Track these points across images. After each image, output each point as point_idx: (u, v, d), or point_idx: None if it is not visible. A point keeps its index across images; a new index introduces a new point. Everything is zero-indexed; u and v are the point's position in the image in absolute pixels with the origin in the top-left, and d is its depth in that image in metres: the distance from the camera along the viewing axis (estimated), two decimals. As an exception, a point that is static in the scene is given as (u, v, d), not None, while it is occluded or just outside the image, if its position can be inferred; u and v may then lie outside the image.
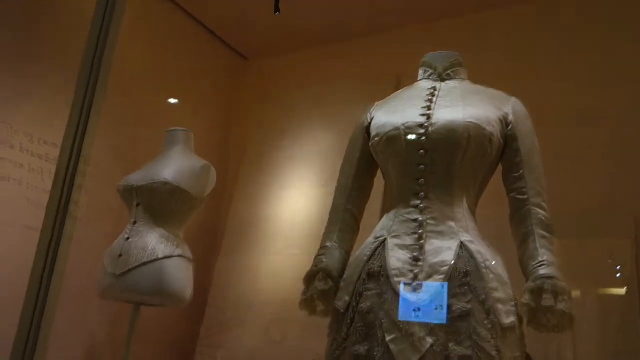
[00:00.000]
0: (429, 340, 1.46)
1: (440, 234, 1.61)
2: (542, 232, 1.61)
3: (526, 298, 1.50)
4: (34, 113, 2.94)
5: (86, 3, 2.00)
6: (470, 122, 1.65)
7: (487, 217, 1.78)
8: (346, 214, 1.84)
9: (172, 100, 3.63)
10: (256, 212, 3.66)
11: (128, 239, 2.47)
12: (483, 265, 1.55)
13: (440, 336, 1.46)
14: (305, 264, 3.20)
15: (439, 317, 1.48)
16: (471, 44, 2.90)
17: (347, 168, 1.90)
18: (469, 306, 1.49)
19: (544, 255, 1.57)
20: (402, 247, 1.61)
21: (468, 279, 1.52)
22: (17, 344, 1.38)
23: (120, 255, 2.42)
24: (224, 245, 3.69)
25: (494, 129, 1.68)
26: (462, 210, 1.65)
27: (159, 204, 2.51)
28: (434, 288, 1.52)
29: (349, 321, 1.60)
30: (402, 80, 3.39)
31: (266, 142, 3.84)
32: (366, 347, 1.53)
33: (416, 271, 1.56)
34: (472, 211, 1.70)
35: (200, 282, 3.00)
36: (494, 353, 1.45)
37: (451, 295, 1.50)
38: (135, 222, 2.51)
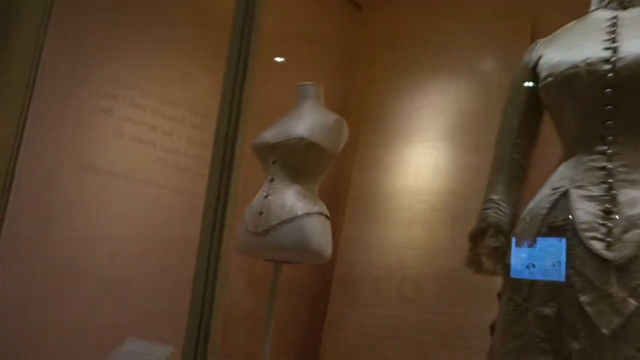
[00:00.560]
0: (632, 302, 1.31)
1: (634, 183, 1.43)
2: None
3: None
4: (162, 77, 2.98)
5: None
6: None
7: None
8: (512, 163, 1.71)
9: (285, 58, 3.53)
10: (381, 164, 3.57)
11: (267, 196, 2.45)
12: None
13: None
14: (434, 220, 3.06)
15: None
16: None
17: (510, 113, 1.75)
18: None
19: None
20: (590, 198, 1.45)
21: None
22: (196, 287, 1.39)
23: (261, 213, 2.41)
24: (349, 202, 3.63)
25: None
26: (659, 155, 1.45)
27: (295, 161, 2.47)
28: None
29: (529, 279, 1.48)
30: (538, 19, 3.11)
31: (390, 91, 3.70)
32: (554, 309, 1.40)
33: (610, 225, 1.39)
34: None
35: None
36: None
37: None
38: (272, 180, 2.48)
